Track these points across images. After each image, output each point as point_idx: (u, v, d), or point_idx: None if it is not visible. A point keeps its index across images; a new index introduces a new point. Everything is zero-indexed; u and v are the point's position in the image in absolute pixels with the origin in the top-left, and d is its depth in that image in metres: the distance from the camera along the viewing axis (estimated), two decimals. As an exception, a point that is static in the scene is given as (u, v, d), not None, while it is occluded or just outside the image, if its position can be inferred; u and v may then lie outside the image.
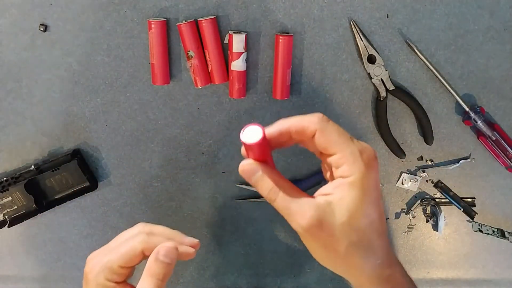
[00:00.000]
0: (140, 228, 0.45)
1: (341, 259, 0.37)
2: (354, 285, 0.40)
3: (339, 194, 0.36)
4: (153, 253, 0.42)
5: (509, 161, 0.62)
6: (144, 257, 0.44)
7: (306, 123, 0.36)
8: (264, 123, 0.63)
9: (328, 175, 0.40)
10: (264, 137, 0.34)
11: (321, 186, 0.38)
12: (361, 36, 0.57)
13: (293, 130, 0.36)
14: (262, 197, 0.63)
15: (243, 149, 0.38)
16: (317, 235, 0.35)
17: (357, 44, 0.58)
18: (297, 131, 0.36)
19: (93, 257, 0.47)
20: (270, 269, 0.71)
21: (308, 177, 0.64)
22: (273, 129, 0.37)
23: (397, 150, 0.63)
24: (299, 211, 0.35)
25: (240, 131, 0.35)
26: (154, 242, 0.43)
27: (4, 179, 0.61)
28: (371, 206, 0.36)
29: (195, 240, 0.46)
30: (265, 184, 0.37)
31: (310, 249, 0.38)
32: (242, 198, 0.65)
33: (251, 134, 0.34)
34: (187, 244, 0.45)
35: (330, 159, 0.37)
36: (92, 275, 0.44)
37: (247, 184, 0.63)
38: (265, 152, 0.37)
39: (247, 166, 0.37)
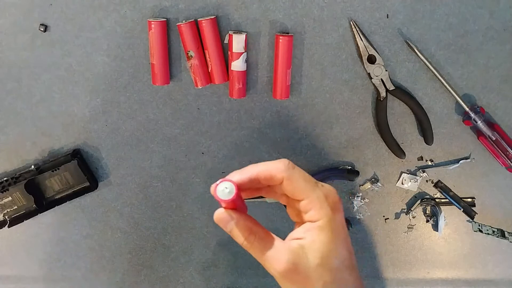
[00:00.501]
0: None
1: None
2: None
3: (310, 238, 0.38)
4: None
5: (509, 161, 0.62)
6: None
7: (274, 170, 0.38)
8: (264, 123, 0.63)
9: (294, 217, 0.42)
10: (238, 192, 0.36)
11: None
12: (361, 36, 0.57)
13: (262, 177, 0.38)
14: (262, 198, 0.64)
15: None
16: (293, 279, 0.38)
17: (357, 44, 0.58)
18: (265, 178, 0.38)
19: None
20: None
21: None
22: (242, 176, 0.38)
23: (397, 150, 0.63)
24: (274, 257, 0.38)
25: (217, 183, 0.36)
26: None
27: (4, 179, 0.61)
28: (341, 245, 0.39)
29: None
30: (240, 232, 0.39)
31: None
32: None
33: (224, 189, 0.36)
34: None
35: (298, 205, 0.39)
36: None
37: None
38: (238, 201, 0.38)
39: (222, 215, 0.39)
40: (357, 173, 0.64)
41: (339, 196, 0.40)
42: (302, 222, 0.40)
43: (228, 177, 0.38)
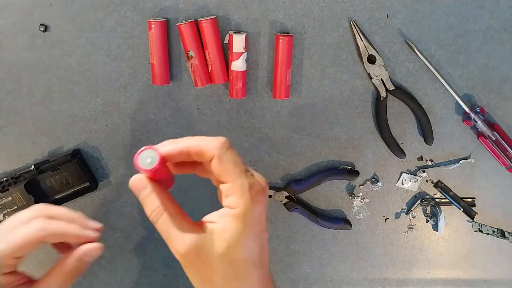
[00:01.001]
0: (38, 211, 0.43)
1: None
2: None
3: (221, 224, 0.36)
4: (76, 252, 0.41)
5: (509, 161, 0.62)
6: (40, 244, 0.42)
7: (206, 147, 0.36)
8: (264, 123, 0.63)
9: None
10: (160, 162, 0.34)
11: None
12: (361, 36, 0.57)
13: (193, 151, 0.36)
14: None
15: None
16: (194, 264, 0.36)
17: (357, 44, 0.58)
18: (196, 152, 0.36)
19: None
20: (270, 269, 0.70)
21: (308, 177, 0.64)
22: (173, 147, 0.36)
23: (397, 150, 0.63)
24: (178, 237, 0.35)
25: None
26: (54, 228, 0.42)
27: (4, 179, 0.61)
28: (252, 240, 0.37)
29: (98, 224, 0.45)
30: (150, 203, 0.37)
31: (188, 276, 0.37)
32: None
33: (147, 158, 0.34)
34: (90, 228, 0.44)
35: (221, 187, 0.37)
36: None
37: None
38: (161, 173, 0.37)
39: (137, 181, 0.37)
40: (357, 173, 0.64)
41: (267, 187, 0.38)
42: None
43: (157, 146, 0.35)
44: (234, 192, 0.36)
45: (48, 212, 0.43)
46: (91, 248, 0.42)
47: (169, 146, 0.36)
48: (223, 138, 0.37)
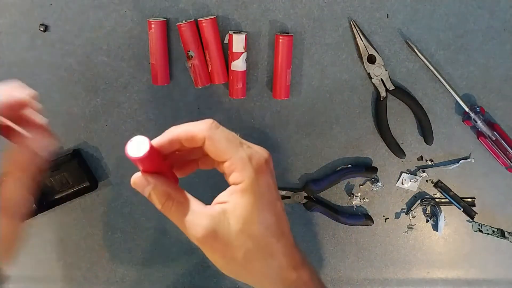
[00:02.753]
0: None
1: (241, 266, 0.36)
2: None
3: (232, 202, 0.36)
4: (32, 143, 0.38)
5: (509, 161, 0.62)
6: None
7: (196, 130, 0.36)
8: (264, 123, 0.63)
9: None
10: (151, 149, 0.33)
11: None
12: (361, 36, 0.57)
13: (183, 138, 0.36)
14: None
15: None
16: (213, 246, 0.35)
17: (357, 44, 0.58)
18: (187, 139, 0.36)
19: None
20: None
21: (326, 176, 0.64)
22: (162, 138, 0.36)
23: (397, 150, 0.63)
24: (193, 222, 0.35)
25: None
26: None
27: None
28: (266, 210, 0.36)
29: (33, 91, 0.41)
30: (157, 197, 0.36)
31: (211, 259, 0.37)
32: None
33: (138, 146, 0.33)
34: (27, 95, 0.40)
35: (222, 167, 0.37)
36: None
37: None
38: (157, 163, 0.36)
39: (138, 179, 0.36)
40: (375, 169, 0.64)
41: (269, 157, 0.37)
42: None
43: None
44: (235, 168, 0.35)
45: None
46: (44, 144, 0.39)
47: (158, 139, 0.36)
48: (210, 120, 0.36)
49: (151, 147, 0.33)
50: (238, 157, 0.35)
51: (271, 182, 0.37)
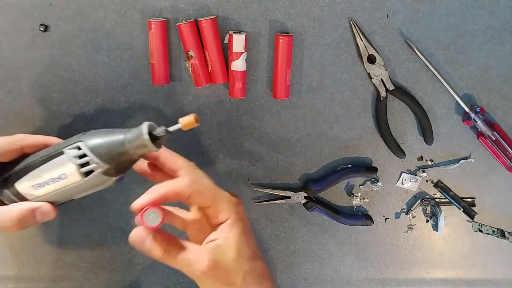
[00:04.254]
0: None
1: None
2: None
3: (223, 236, 0.42)
4: (32, 205, 0.43)
5: (509, 161, 0.62)
6: (20, 152, 0.46)
7: (179, 188, 0.41)
8: (264, 123, 0.63)
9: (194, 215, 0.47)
10: (163, 219, 0.40)
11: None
12: (361, 36, 0.57)
13: (171, 197, 0.41)
14: (278, 199, 0.64)
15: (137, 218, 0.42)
16: (216, 275, 0.41)
17: (357, 44, 0.58)
18: (174, 197, 0.41)
19: None
20: (270, 269, 0.71)
21: (326, 176, 0.64)
22: (147, 198, 0.41)
23: (397, 150, 0.63)
24: (196, 258, 0.41)
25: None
26: (34, 138, 0.46)
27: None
28: (249, 236, 0.44)
29: None
30: (158, 245, 0.41)
31: None
32: (260, 200, 0.66)
33: (152, 215, 0.39)
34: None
35: (207, 211, 0.43)
36: None
37: (264, 186, 0.64)
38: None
39: (136, 236, 0.41)
40: (375, 169, 0.64)
41: (234, 194, 0.45)
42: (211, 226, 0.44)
43: (136, 203, 0.40)
44: (221, 209, 0.42)
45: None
46: (46, 208, 0.44)
47: (143, 198, 0.40)
48: (189, 176, 0.42)
49: (163, 218, 0.40)
50: (222, 202, 0.43)
51: (244, 210, 0.45)
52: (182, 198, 0.42)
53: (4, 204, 0.45)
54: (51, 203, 0.45)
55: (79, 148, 0.41)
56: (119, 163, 0.41)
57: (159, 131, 0.40)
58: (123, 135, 0.40)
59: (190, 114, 0.39)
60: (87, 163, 0.41)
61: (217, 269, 0.41)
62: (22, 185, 0.44)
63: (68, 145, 0.42)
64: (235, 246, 0.42)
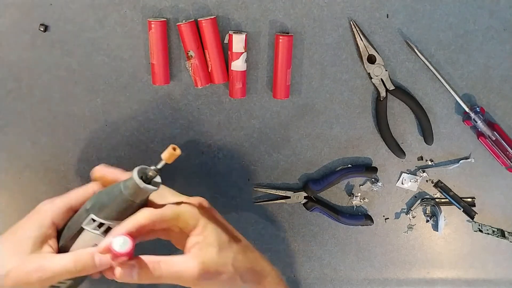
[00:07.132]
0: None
1: (238, 276, 0.44)
2: None
3: (201, 238, 0.43)
4: (92, 250, 0.42)
5: (509, 161, 0.62)
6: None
7: (160, 219, 0.43)
8: (264, 123, 0.63)
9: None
10: (133, 248, 0.40)
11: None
12: (361, 36, 0.57)
13: (157, 227, 0.43)
14: (278, 199, 0.64)
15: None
16: (209, 275, 0.42)
17: (357, 44, 0.58)
18: (137, 233, 0.42)
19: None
20: (270, 269, 0.70)
21: (326, 176, 0.64)
22: (127, 227, 0.42)
23: (397, 150, 0.63)
24: (185, 267, 0.42)
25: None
26: (112, 171, 0.49)
27: (4, 179, 0.61)
28: (222, 225, 0.46)
29: None
30: (148, 273, 0.41)
31: None
32: (260, 200, 0.66)
33: (121, 242, 0.40)
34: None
35: (178, 225, 0.45)
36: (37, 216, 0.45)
37: (264, 186, 0.64)
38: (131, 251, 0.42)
39: (123, 271, 0.41)
40: (375, 169, 0.64)
41: (205, 200, 0.48)
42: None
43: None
44: (189, 222, 0.44)
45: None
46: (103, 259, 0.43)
47: (123, 227, 0.42)
48: (169, 207, 0.44)
49: (133, 246, 0.40)
50: (184, 215, 0.44)
51: (208, 205, 0.48)
52: (147, 232, 0.44)
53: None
54: None
55: (93, 220, 0.44)
56: (131, 212, 0.44)
57: (150, 173, 0.43)
58: (121, 189, 0.43)
59: (168, 147, 0.42)
60: (107, 228, 0.45)
61: (208, 269, 0.42)
62: None
63: (82, 221, 0.45)
64: (214, 241, 0.43)
